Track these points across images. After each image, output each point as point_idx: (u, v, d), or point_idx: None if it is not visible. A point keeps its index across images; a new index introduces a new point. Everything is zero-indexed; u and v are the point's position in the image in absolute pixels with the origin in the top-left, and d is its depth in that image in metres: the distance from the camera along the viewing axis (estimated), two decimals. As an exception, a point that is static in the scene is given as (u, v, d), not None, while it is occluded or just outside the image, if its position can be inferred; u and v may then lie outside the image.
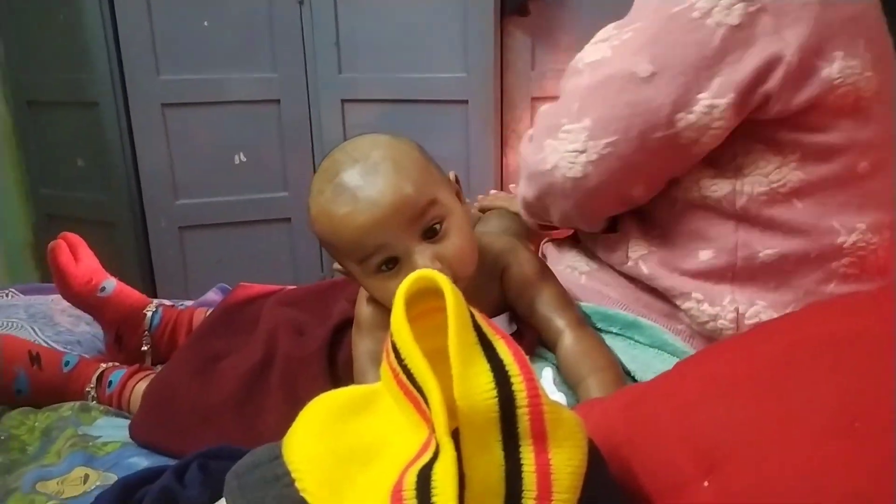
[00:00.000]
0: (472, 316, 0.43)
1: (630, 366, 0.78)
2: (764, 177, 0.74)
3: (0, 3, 2.15)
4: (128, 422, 0.93)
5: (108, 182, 2.13)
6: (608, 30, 0.79)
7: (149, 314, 1.15)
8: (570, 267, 0.91)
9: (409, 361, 0.41)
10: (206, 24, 2.03)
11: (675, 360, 0.76)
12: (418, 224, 0.71)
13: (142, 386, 0.99)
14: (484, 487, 0.39)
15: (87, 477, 0.84)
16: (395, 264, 0.72)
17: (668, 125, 0.71)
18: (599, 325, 0.83)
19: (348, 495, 0.41)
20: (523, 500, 0.39)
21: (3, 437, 0.92)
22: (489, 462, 0.39)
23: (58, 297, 1.21)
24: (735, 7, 0.68)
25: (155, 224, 2.15)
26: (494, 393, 0.39)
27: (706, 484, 0.46)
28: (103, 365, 1.05)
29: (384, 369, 0.46)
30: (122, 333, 1.16)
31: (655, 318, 0.82)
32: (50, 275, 1.16)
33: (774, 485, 0.43)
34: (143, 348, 1.14)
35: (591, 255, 0.90)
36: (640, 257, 0.81)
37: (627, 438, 0.53)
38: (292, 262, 2.27)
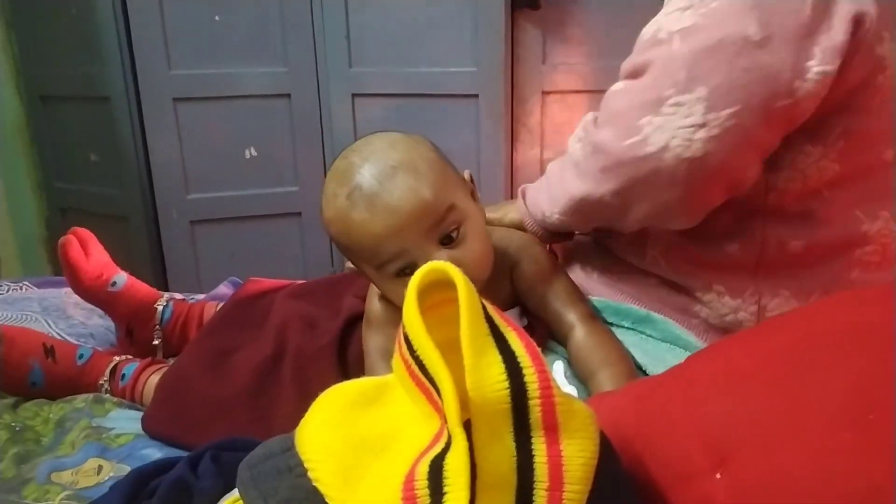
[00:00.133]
0: (484, 308, 0.43)
1: (642, 360, 0.78)
2: (799, 172, 0.72)
3: (13, -2, 2.17)
4: (141, 414, 0.94)
5: (121, 176, 2.14)
6: None
7: (159, 308, 1.16)
8: (581, 262, 0.91)
9: (421, 352, 0.42)
10: (217, 18, 2.04)
11: (686, 355, 0.76)
12: (437, 231, 0.70)
13: (154, 379, 1.00)
14: (495, 478, 0.39)
15: (100, 468, 0.85)
16: (412, 270, 0.71)
17: (789, 93, 0.65)
18: (611, 320, 0.83)
19: (361, 485, 0.42)
20: (535, 492, 0.39)
21: (18, 428, 0.93)
22: (501, 453, 0.39)
23: (71, 290, 1.22)
24: None
25: (167, 218, 2.16)
26: (506, 384, 0.39)
27: (718, 476, 0.46)
28: (116, 358, 1.05)
29: (396, 360, 0.46)
30: (133, 327, 1.16)
31: (669, 312, 0.82)
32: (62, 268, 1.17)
33: (787, 477, 0.43)
34: (154, 342, 1.15)
35: (604, 250, 0.89)
36: (660, 252, 0.80)
37: (638, 431, 0.53)
38: (303, 257, 2.28)
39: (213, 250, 2.21)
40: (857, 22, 0.65)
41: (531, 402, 0.40)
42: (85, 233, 1.17)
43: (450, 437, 0.39)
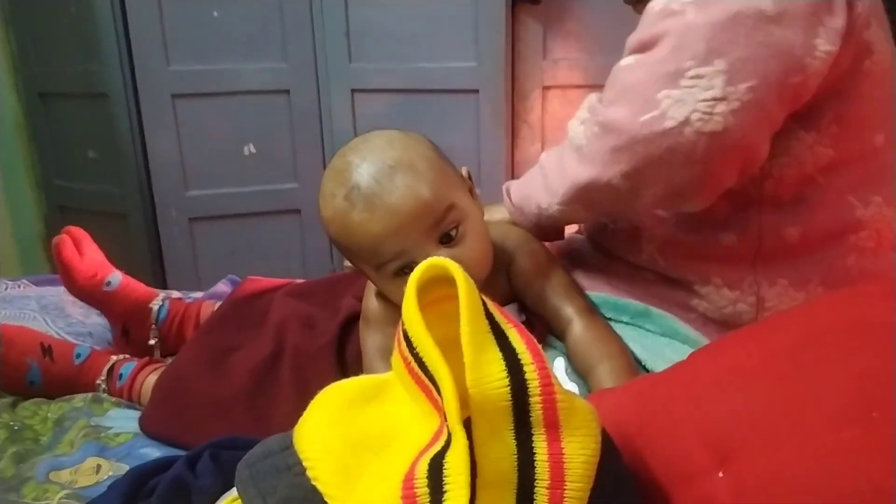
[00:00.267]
0: (485, 304, 0.42)
1: (641, 355, 0.78)
2: (794, 157, 0.72)
3: (11, -5, 2.16)
4: (139, 413, 0.94)
5: (119, 173, 2.13)
6: None
7: (155, 307, 1.15)
8: (576, 261, 0.90)
9: (420, 350, 0.41)
10: (215, 14, 2.03)
11: (686, 349, 0.76)
12: (436, 230, 0.70)
13: (152, 379, 1.00)
14: (496, 476, 0.39)
15: (99, 467, 0.84)
16: (411, 269, 0.70)
17: (801, 69, 0.65)
18: (609, 315, 0.83)
19: (360, 483, 0.41)
20: (536, 489, 0.39)
21: (16, 427, 0.93)
22: (501, 450, 0.39)
23: (68, 289, 1.22)
24: None
25: (165, 215, 2.15)
26: (507, 381, 0.39)
27: (721, 475, 0.46)
28: (114, 357, 1.05)
29: (395, 358, 0.46)
30: (129, 327, 1.16)
31: (667, 308, 0.81)
32: (60, 267, 1.16)
33: (789, 476, 0.42)
34: (150, 342, 1.14)
35: (598, 248, 0.89)
36: (657, 248, 0.80)
37: (640, 429, 0.53)
38: (302, 254, 2.28)
39: (212, 247, 2.21)
40: (851, 6, 0.67)
41: (532, 400, 0.39)
42: (79, 232, 1.17)
43: (450, 434, 0.38)
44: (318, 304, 0.96)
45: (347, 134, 2.05)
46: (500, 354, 0.40)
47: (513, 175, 2.10)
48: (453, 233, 0.71)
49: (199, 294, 1.34)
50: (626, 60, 0.71)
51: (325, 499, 0.42)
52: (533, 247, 0.83)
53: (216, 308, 1.10)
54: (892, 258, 0.75)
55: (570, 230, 0.96)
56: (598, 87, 0.75)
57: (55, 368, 1.02)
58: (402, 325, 0.43)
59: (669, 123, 0.65)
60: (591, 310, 0.80)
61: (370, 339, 0.80)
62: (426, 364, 0.41)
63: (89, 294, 1.16)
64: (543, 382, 0.39)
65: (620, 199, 0.73)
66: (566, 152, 0.77)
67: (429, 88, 2.07)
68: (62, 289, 1.21)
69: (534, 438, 0.39)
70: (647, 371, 0.76)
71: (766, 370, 0.49)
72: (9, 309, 1.25)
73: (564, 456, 0.39)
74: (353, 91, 2.11)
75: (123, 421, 0.94)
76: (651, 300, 0.82)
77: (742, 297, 0.76)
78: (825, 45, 0.65)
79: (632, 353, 0.78)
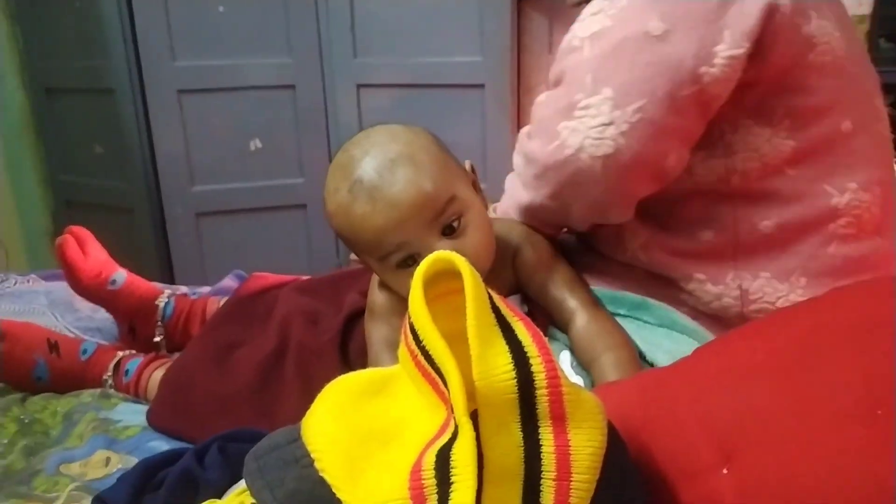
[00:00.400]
0: (491, 297, 0.43)
1: (641, 347, 0.78)
2: (755, 152, 0.74)
3: (17, -9, 2.17)
4: (147, 407, 0.94)
5: (125, 169, 2.14)
6: (597, 3, 0.74)
7: (161, 304, 1.15)
8: (570, 259, 0.91)
9: (427, 343, 0.41)
10: (221, 9, 2.03)
11: (684, 339, 0.77)
12: (438, 222, 0.70)
13: (158, 374, 1.00)
14: (502, 468, 0.39)
15: (108, 460, 0.85)
16: (414, 261, 0.72)
17: (694, 81, 0.69)
18: (607, 308, 0.83)
19: (367, 475, 0.41)
20: (542, 481, 0.39)
21: (27, 421, 0.94)
22: (508, 443, 0.39)
23: (74, 285, 1.22)
24: None
25: (172, 210, 2.16)
26: (513, 374, 0.39)
27: (725, 471, 0.46)
28: (120, 353, 1.05)
29: (402, 351, 0.46)
30: (135, 325, 1.16)
31: (661, 301, 0.82)
32: (67, 261, 1.17)
33: (794, 473, 0.42)
34: (156, 339, 1.14)
35: (588, 247, 0.90)
36: (639, 246, 0.81)
37: (644, 424, 0.53)
38: (308, 248, 2.28)
39: (218, 242, 2.22)
40: (770, 10, 0.67)
41: (538, 392, 0.39)
42: (82, 231, 1.16)
43: (456, 427, 0.38)
44: (323, 300, 0.97)
45: (353, 129, 2.05)
46: (506, 347, 0.40)
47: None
48: (455, 224, 0.71)
49: (205, 289, 1.34)
50: (541, 96, 0.80)
51: (333, 490, 0.42)
52: (538, 239, 0.83)
53: (221, 305, 1.10)
54: (875, 243, 0.76)
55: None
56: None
57: (62, 364, 1.03)
58: (409, 318, 0.44)
59: (568, 151, 0.73)
60: (595, 302, 0.81)
61: (376, 331, 0.81)
62: (433, 357, 0.41)
63: (94, 293, 1.16)
64: (550, 375, 0.39)
65: (557, 216, 0.81)
66: (514, 177, 0.86)
67: (434, 83, 2.07)
68: (70, 284, 1.22)
69: (540, 431, 0.40)
70: (648, 362, 0.76)
71: (771, 367, 0.49)
72: (18, 304, 1.26)
73: (571, 448, 0.40)
74: (358, 86, 2.12)
75: (131, 415, 0.94)
76: (645, 295, 0.83)
77: (726, 291, 0.76)
78: (728, 49, 0.68)
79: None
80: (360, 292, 0.91)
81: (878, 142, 0.77)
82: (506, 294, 0.83)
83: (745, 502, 0.44)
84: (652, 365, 0.76)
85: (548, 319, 0.82)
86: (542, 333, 0.42)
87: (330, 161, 0.75)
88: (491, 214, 0.91)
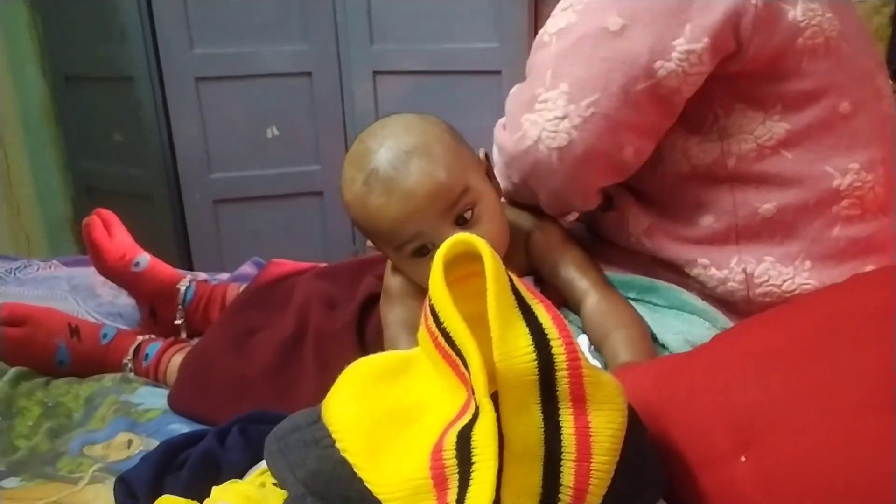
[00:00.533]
0: (511, 280, 0.43)
1: (652, 328, 0.78)
2: (749, 134, 0.74)
3: (37, -20, 2.18)
4: (167, 391, 0.95)
5: (144, 156, 2.16)
6: None
7: (182, 289, 1.17)
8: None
9: (447, 324, 0.42)
10: (237, -3, 2.04)
11: (695, 319, 0.78)
12: (451, 212, 0.72)
13: (177, 359, 1.01)
14: (523, 449, 0.39)
15: (130, 442, 0.86)
16: (429, 250, 0.73)
17: (648, 75, 0.70)
18: None
19: (389, 455, 0.42)
20: (562, 462, 0.39)
21: (50, 404, 0.95)
22: (528, 424, 0.39)
23: (97, 269, 1.23)
24: None
25: (190, 198, 2.17)
26: (534, 356, 0.39)
27: (743, 459, 0.46)
28: (140, 338, 1.06)
29: (422, 333, 0.46)
30: (156, 308, 1.17)
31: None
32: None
33: (812, 461, 0.42)
34: (176, 322, 1.16)
35: (594, 234, 0.91)
36: (642, 232, 0.81)
37: (661, 409, 0.53)
38: (324, 235, 2.29)
39: (235, 229, 2.23)
40: (739, 7, 0.68)
41: (559, 374, 0.39)
42: (108, 214, 1.19)
43: (477, 407, 0.39)
44: (341, 286, 0.97)
45: (369, 116, 2.05)
46: (526, 329, 0.40)
47: (535, 156, 2.09)
48: (468, 214, 0.73)
49: (224, 276, 1.35)
50: (514, 89, 0.82)
51: (355, 470, 0.42)
52: (548, 223, 0.84)
53: (241, 290, 1.11)
54: (880, 222, 0.75)
55: (571, 218, 0.99)
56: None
57: (83, 348, 1.04)
58: (429, 300, 0.44)
59: (528, 142, 0.76)
60: (606, 282, 0.81)
61: (392, 313, 0.82)
62: (453, 338, 0.41)
63: (118, 274, 1.18)
64: (570, 357, 0.40)
65: (531, 201, 0.84)
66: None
67: (451, 69, 2.06)
68: (92, 269, 1.23)
69: (560, 412, 0.40)
70: (660, 344, 0.77)
71: (789, 355, 0.49)
72: (40, 289, 1.27)
73: (591, 430, 0.40)
74: (374, 73, 2.11)
75: (152, 398, 0.96)
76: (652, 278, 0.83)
77: (731, 275, 0.76)
78: (686, 44, 0.69)
79: None
80: (377, 276, 0.91)
81: (880, 121, 0.77)
82: (519, 274, 0.84)
83: (764, 490, 0.44)
84: (663, 346, 0.76)
85: (560, 301, 0.83)
86: (561, 316, 0.42)
87: (346, 148, 0.76)
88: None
